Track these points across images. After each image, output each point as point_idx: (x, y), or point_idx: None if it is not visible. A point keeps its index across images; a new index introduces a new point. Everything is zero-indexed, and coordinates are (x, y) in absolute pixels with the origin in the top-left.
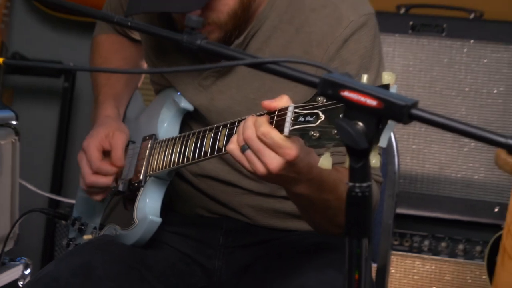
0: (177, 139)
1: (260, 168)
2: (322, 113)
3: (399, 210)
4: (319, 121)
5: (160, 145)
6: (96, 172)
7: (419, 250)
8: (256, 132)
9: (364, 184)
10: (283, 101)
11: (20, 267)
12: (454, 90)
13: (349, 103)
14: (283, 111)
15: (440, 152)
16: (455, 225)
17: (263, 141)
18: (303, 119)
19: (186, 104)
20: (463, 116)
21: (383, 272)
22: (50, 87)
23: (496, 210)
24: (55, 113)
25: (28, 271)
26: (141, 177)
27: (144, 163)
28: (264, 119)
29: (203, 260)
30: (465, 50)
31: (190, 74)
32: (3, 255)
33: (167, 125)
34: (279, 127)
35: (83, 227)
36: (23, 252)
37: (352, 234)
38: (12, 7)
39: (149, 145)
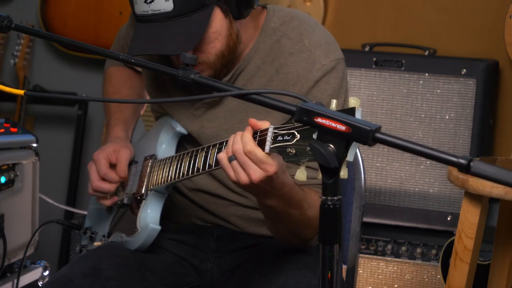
0: (174, 158)
1: (244, 178)
2: (298, 133)
3: (366, 219)
4: (295, 139)
5: (159, 163)
6: (103, 179)
7: (383, 253)
8: (243, 148)
9: (335, 198)
10: (265, 124)
11: (40, 269)
12: (412, 116)
13: (321, 128)
14: (264, 132)
15: (400, 169)
16: (413, 232)
17: (248, 156)
18: (281, 138)
19: (181, 129)
20: (420, 138)
21: (352, 272)
22: (66, 114)
23: (448, 218)
24: (70, 136)
25: (46, 273)
26: (143, 191)
27: (146, 179)
28: (250, 136)
29: (196, 262)
30: (421, 82)
31: (184, 105)
32: (25, 259)
33: (165, 146)
34: (261, 145)
35: (93, 235)
36: (42, 256)
37: (325, 241)
38: (34, 46)
39: (149, 164)
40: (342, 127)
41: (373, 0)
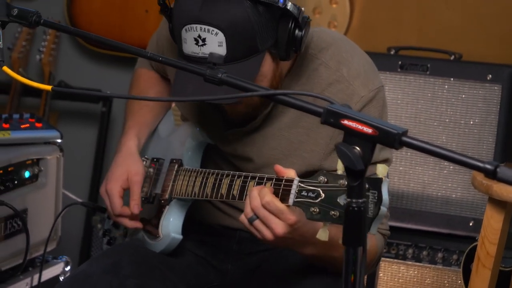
0: (199, 173)
1: (268, 234)
2: (323, 192)
3: (396, 224)
4: (319, 199)
5: (184, 172)
6: (119, 215)
7: (404, 257)
8: (261, 201)
9: (360, 200)
10: (291, 173)
11: (62, 264)
12: (436, 121)
13: (348, 130)
14: (289, 182)
15: (423, 173)
16: (435, 237)
17: (267, 208)
18: (305, 194)
19: (207, 139)
20: (444, 143)
21: (373, 276)
22: (90, 111)
23: (471, 224)
24: (93, 133)
25: (68, 268)
26: (167, 197)
27: (170, 184)
28: (267, 190)
29: (216, 263)
30: (446, 86)
31: (217, 126)
32: (47, 254)
33: (191, 154)
34: (283, 199)
35: None
36: (64, 251)
37: (349, 243)
38: (59, 42)
39: (175, 169)
40: (368, 130)
41: (399, 3)
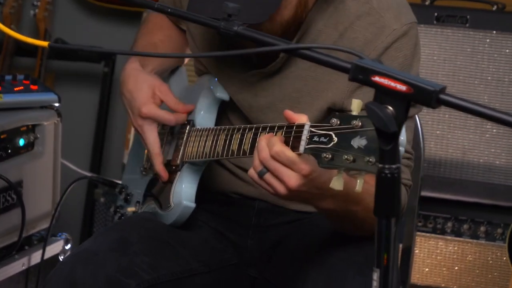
0: (210, 131)
1: (280, 188)
2: (335, 136)
3: (424, 193)
4: (332, 143)
5: (195, 133)
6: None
7: (442, 232)
8: (270, 152)
9: (394, 166)
10: (302, 119)
11: (61, 242)
12: (477, 79)
13: (379, 87)
14: (299, 128)
15: (463, 137)
16: (477, 208)
17: (277, 159)
18: (317, 139)
19: (221, 95)
20: (486, 103)
21: (408, 252)
22: (91, 72)
23: None
24: (95, 96)
25: (68, 246)
26: (178, 162)
27: (182, 148)
28: (276, 139)
29: (234, 237)
30: (487, 40)
31: (236, 70)
32: (43, 231)
33: (203, 113)
34: (294, 147)
35: (128, 196)
36: (63, 228)
37: (381, 214)
38: None
39: (186, 131)
40: (402, 87)
41: None
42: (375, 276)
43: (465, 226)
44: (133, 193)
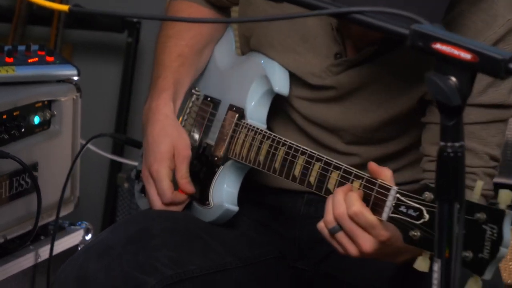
0: (258, 134)
1: (353, 251)
2: (427, 213)
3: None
4: (422, 220)
5: (246, 130)
6: (170, 204)
7: None
8: (348, 211)
9: (457, 144)
10: (387, 174)
11: (81, 231)
12: None
13: (441, 56)
14: (383, 190)
15: None
16: None
17: (355, 220)
18: (405, 210)
19: (281, 89)
20: None
21: None
22: (113, 42)
23: None
24: (118, 69)
25: (89, 236)
26: (221, 154)
27: (227, 140)
28: (356, 196)
29: (280, 228)
30: None
31: (320, 54)
32: (63, 219)
33: (254, 105)
34: (375, 210)
35: None
36: (83, 216)
37: (443, 198)
38: None
39: (235, 120)
40: (467, 55)
41: None
42: (436, 267)
43: None
44: None
